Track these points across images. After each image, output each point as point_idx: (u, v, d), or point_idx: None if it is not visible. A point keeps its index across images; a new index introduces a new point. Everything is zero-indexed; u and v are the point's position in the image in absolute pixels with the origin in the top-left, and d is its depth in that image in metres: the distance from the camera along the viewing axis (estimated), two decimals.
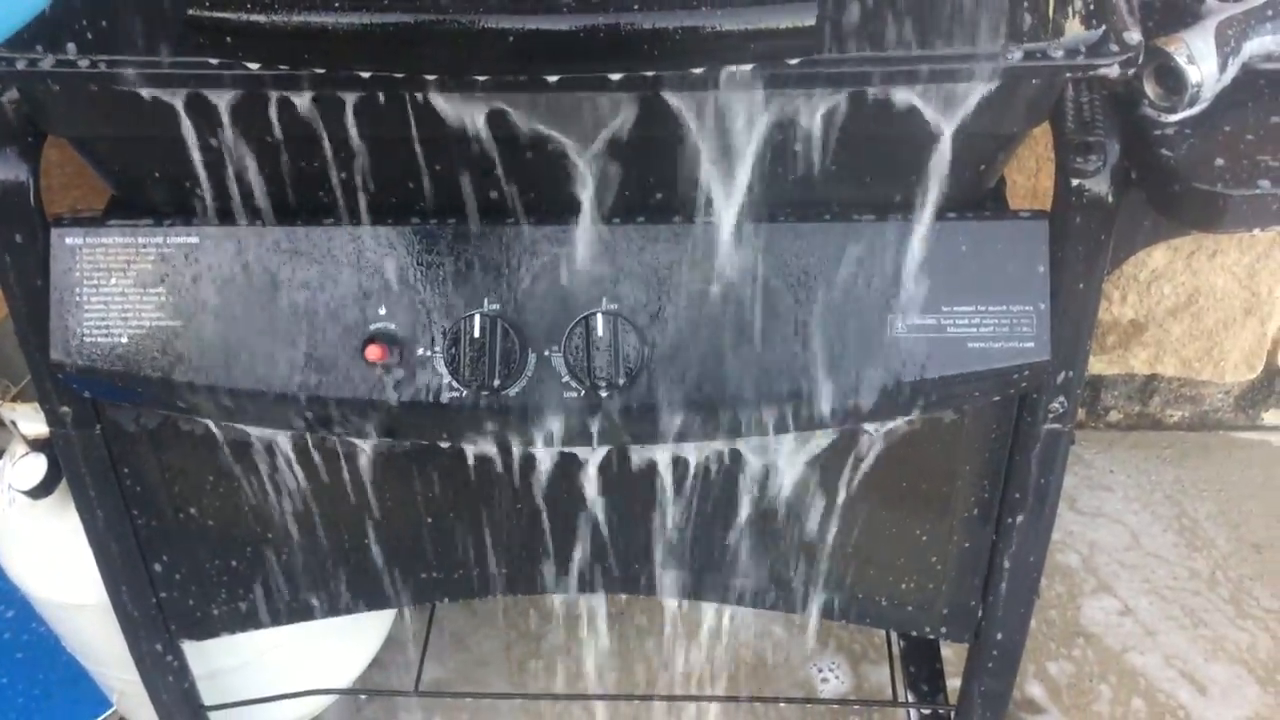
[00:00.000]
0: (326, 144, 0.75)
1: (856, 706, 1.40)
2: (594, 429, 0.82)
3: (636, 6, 0.60)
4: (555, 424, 0.82)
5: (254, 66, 0.67)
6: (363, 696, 1.39)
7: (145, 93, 0.71)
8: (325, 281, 0.81)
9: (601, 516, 0.94)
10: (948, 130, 0.72)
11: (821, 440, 0.88)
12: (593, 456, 0.89)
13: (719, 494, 0.92)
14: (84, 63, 0.70)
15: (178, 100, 0.72)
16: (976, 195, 0.82)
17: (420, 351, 0.81)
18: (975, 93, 0.71)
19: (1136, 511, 1.60)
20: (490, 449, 0.89)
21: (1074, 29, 0.70)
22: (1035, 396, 0.85)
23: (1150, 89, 0.75)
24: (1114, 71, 0.69)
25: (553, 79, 0.66)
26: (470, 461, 0.90)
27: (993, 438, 0.89)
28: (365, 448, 0.90)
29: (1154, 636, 1.45)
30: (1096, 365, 1.58)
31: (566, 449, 0.88)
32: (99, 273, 0.82)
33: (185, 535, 0.97)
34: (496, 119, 0.72)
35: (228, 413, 0.85)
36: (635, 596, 1.21)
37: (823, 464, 0.90)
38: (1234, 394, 1.67)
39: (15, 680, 1.36)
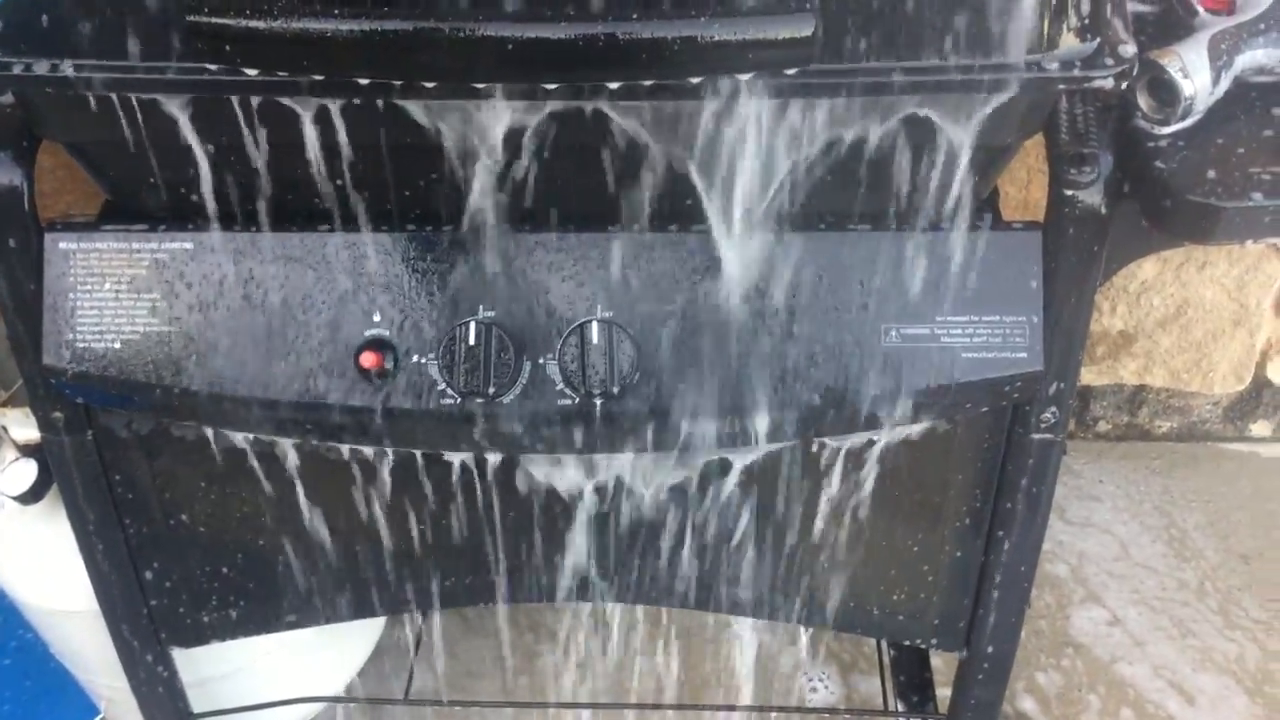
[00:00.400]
0: (321, 150, 0.75)
1: (847, 716, 1.40)
2: (588, 437, 0.82)
3: (636, 16, 0.61)
4: (549, 432, 0.82)
5: (252, 73, 0.67)
6: (352, 705, 1.38)
7: (141, 98, 0.71)
8: (320, 288, 0.81)
9: (594, 525, 0.94)
10: (942, 142, 0.73)
11: (814, 449, 0.89)
12: (585, 464, 0.89)
13: (712, 503, 0.92)
14: (80, 68, 0.70)
15: (174, 106, 0.72)
16: (970, 206, 0.83)
17: (415, 359, 0.81)
18: (970, 105, 0.71)
19: (1125, 522, 1.60)
20: (484, 457, 0.89)
21: (1069, 42, 0.70)
22: (1027, 407, 0.85)
23: (1143, 101, 0.76)
24: (1108, 84, 0.70)
25: (549, 87, 0.67)
26: (463, 469, 0.90)
27: (984, 448, 0.89)
28: (358, 455, 0.90)
29: (1143, 647, 1.45)
30: (1086, 376, 1.59)
31: (559, 456, 0.88)
32: (92, 277, 0.81)
33: (176, 542, 0.97)
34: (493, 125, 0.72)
35: (220, 419, 0.85)
36: (625, 605, 1.22)
37: (815, 473, 0.90)
38: (1222, 405, 1.67)
39: (2, 687, 1.35)
